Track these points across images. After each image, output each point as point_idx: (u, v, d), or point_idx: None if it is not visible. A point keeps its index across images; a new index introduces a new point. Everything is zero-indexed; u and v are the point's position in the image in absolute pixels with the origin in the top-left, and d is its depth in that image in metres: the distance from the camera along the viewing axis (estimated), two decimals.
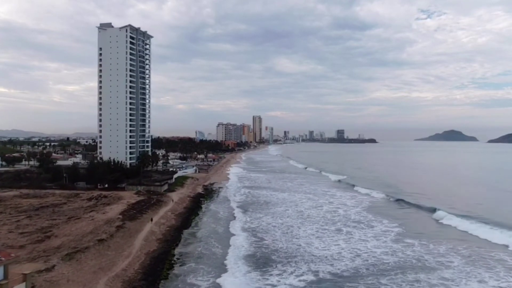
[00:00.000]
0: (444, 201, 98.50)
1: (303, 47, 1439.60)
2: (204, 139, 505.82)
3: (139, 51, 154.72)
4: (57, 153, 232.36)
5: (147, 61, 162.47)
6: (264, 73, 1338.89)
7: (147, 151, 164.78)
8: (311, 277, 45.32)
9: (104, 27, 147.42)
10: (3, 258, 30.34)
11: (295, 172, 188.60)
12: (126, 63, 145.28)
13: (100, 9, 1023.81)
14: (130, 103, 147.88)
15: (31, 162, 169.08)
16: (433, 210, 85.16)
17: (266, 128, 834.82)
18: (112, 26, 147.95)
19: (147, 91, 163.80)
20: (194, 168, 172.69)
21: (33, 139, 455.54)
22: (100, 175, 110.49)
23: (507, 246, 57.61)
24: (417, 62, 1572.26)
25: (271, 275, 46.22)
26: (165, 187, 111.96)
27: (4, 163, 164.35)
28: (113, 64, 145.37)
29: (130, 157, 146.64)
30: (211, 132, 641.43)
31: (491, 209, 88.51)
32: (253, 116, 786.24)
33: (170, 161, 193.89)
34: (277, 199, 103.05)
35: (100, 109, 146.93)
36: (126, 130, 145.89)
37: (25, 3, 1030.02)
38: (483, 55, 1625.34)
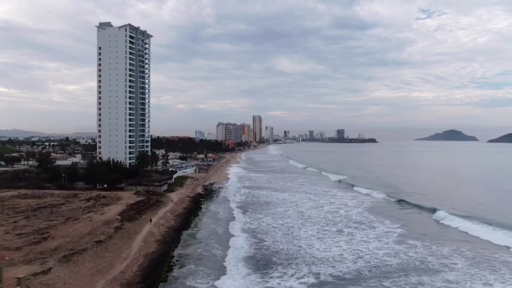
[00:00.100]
0: (446, 201, 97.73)
1: (303, 47, 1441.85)
2: (204, 139, 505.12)
3: (139, 51, 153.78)
4: (57, 153, 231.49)
5: (146, 61, 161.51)
6: (264, 73, 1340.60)
7: (147, 151, 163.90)
8: (312, 280, 44.51)
9: (104, 26, 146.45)
10: None
11: (296, 172, 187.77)
12: (126, 62, 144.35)
13: (100, 9, 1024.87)
14: (130, 103, 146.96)
15: (30, 162, 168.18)
16: (435, 210, 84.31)
17: (266, 128, 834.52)
18: (112, 25, 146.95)
19: (147, 90, 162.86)
20: (194, 168, 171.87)
21: (33, 139, 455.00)
22: (99, 175, 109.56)
23: (509, 248, 56.83)
24: (417, 61, 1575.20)
25: (272, 277, 45.41)
26: (165, 187, 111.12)
27: (3, 163, 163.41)
28: (112, 64, 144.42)
29: (129, 157, 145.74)
30: (211, 132, 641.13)
31: (492, 210, 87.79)
32: (253, 116, 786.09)
33: (169, 161, 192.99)
34: (277, 199, 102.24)
35: (100, 109, 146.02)
36: (126, 130, 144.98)
37: (25, 3, 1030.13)
38: (483, 54, 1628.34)
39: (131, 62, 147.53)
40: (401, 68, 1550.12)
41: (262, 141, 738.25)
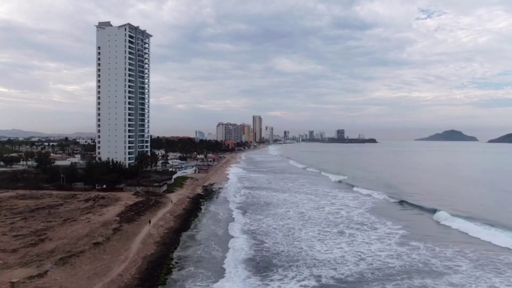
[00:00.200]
0: (447, 202, 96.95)
1: (303, 47, 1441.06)
2: (204, 139, 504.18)
3: (138, 50, 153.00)
4: (56, 153, 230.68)
5: (146, 60, 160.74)
6: (264, 73, 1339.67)
7: (146, 151, 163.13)
8: (313, 283, 43.68)
9: (103, 25, 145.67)
10: None
11: (296, 172, 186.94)
12: (125, 62, 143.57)
13: (100, 9, 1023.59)
14: (129, 103, 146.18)
15: (29, 162, 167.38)
16: (437, 211, 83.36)
17: (266, 128, 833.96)
18: (111, 25, 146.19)
19: (146, 90, 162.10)
20: (194, 168, 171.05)
21: (33, 139, 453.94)
22: (98, 175, 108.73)
23: (511, 249, 56.03)
24: (417, 61, 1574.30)
25: (272, 280, 44.58)
26: (164, 187, 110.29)
27: (1, 163, 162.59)
28: (111, 63, 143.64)
29: (129, 157, 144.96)
30: (211, 132, 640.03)
31: (494, 211, 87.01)
32: (253, 116, 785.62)
33: (169, 161, 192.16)
34: (277, 200, 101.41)
35: (99, 109, 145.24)
36: (125, 130, 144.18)
37: (25, 3, 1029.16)
38: (483, 54, 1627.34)
39: (130, 62, 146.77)
40: (401, 68, 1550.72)
41: (262, 141, 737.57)
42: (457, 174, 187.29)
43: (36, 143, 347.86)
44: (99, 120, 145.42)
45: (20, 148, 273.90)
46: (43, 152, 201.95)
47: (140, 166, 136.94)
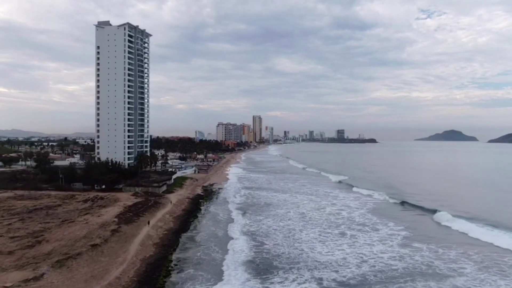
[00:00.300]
0: (449, 202, 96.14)
1: (303, 47, 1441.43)
2: (203, 139, 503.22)
3: (138, 50, 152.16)
4: (55, 153, 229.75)
5: (145, 60, 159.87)
6: (264, 73, 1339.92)
7: (146, 151, 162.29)
8: (314, 286, 42.86)
9: (102, 25, 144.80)
10: None
11: (296, 172, 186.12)
12: (124, 61, 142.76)
13: (100, 9, 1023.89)
14: (129, 103, 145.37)
15: (28, 163, 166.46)
16: (439, 212, 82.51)
17: (266, 128, 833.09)
18: (110, 24, 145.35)
19: (146, 90, 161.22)
20: (194, 168, 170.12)
21: (32, 139, 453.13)
22: (97, 175, 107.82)
23: None
24: (417, 61, 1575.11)
25: (272, 283, 43.73)
26: (164, 188, 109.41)
27: (0, 163, 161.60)
28: (111, 63, 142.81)
29: (128, 158, 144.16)
30: (211, 132, 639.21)
31: (496, 212, 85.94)
32: (253, 116, 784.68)
33: (169, 161, 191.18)
34: (278, 200, 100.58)
35: (98, 109, 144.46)
36: (124, 130, 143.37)
37: (25, 3, 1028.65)
38: (483, 54, 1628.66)
39: (130, 61, 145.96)
40: (401, 68, 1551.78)
41: (262, 141, 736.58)
42: (458, 174, 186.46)
43: (36, 143, 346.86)
44: (98, 120, 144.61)
45: (20, 148, 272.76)
46: (42, 152, 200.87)
47: (140, 166, 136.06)
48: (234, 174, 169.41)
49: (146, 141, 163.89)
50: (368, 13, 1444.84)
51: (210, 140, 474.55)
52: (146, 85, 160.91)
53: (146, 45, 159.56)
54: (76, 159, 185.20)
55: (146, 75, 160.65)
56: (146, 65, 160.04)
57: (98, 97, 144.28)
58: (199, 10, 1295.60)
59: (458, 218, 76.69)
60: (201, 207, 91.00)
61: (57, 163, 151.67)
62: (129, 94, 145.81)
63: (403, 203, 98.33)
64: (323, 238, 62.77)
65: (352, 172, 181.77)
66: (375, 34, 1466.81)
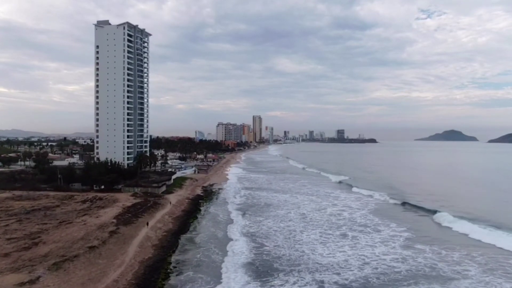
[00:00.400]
0: (450, 203, 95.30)
1: (303, 47, 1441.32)
2: (203, 139, 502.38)
3: (137, 49, 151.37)
4: (55, 153, 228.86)
5: (145, 60, 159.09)
6: (264, 73, 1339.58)
7: (145, 151, 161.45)
8: None
9: (101, 24, 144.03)
10: None
11: (296, 172, 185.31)
12: (124, 61, 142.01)
13: (100, 9, 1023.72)
14: (128, 102, 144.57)
15: (27, 163, 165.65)
16: (441, 213, 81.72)
17: (266, 128, 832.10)
18: (110, 24, 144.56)
19: (146, 90, 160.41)
20: (194, 168, 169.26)
21: (32, 139, 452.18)
22: (96, 176, 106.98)
23: None
24: (417, 61, 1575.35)
25: (272, 286, 42.93)
26: (163, 188, 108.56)
27: None
28: (110, 63, 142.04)
29: (127, 158, 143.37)
30: (211, 132, 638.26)
31: (498, 212, 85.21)
32: (253, 116, 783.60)
33: (169, 162, 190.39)
34: (278, 201, 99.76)
35: (97, 109, 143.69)
36: (124, 130, 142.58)
37: (25, 3, 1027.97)
38: (483, 54, 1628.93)
39: (129, 61, 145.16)
40: (401, 68, 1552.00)
41: (262, 141, 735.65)
42: (458, 174, 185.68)
43: (35, 143, 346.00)
44: (97, 120, 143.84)
45: (19, 148, 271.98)
46: (41, 152, 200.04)
47: (139, 166, 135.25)
48: (234, 174, 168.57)
49: (145, 141, 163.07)
50: (368, 13, 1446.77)
51: (210, 140, 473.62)
52: (145, 85, 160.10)
53: (145, 44, 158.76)
54: (75, 159, 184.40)
55: (145, 74, 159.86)
56: (145, 64, 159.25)
57: (97, 97, 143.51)
58: (199, 10, 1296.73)
59: (459, 219, 75.87)
60: (201, 208, 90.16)
61: (56, 163, 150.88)
62: (129, 94, 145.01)
63: (404, 203, 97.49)
64: (324, 239, 61.95)
65: (352, 172, 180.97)
66: (375, 34, 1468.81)
